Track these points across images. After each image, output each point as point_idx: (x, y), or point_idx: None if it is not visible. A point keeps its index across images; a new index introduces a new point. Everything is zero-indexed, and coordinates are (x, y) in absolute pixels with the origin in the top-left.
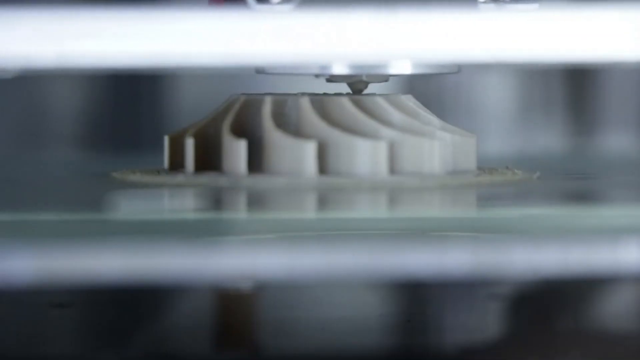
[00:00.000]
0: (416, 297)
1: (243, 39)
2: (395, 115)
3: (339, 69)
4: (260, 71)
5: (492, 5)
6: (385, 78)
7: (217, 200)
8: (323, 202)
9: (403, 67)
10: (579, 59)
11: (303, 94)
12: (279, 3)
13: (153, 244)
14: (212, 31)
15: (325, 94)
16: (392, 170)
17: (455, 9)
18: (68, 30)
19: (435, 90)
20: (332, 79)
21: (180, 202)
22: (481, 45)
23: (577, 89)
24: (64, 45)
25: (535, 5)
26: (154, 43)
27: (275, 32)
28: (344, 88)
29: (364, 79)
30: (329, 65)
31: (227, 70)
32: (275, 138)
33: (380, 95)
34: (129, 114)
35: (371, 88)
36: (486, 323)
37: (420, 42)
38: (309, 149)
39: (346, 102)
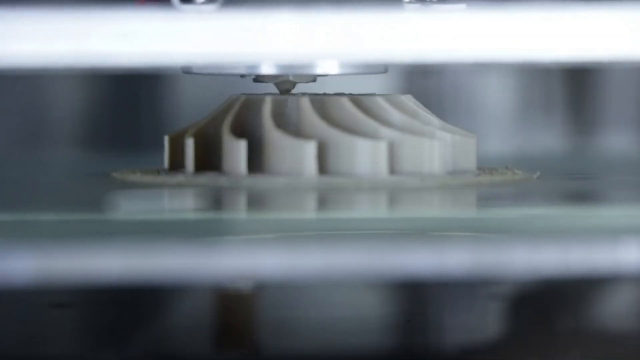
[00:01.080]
0: (416, 297)
1: (168, 39)
2: (395, 115)
3: (266, 69)
4: (187, 71)
5: (417, 5)
6: (312, 78)
7: (217, 200)
8: (323, 202)
9: (330, 67)
10: (578, 59)
11: (303, 93)
12: (203, 3)
13: (153, 244)
14: (137, 31)
15: (325, 94)
16: (392, 170)
17: (381, 8)
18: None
19: (435, 90)
20: (259, 78)
21: (180, 202)
22: (407, 45)
23: (577, 89)
24: (64, 45)
25: (462, 6)
26: (78, 42)
27: (200, 32)
28: (271, 88)
29: (291, 78)
30: (256, 65)
31: (151, 70)
32: (275, 138)
33: (380, 95)
34: (129, 114)
35: (371, 88)
36: (486, 323)
37: (345, 42)
38: (309, 149)
39: (346, 102)
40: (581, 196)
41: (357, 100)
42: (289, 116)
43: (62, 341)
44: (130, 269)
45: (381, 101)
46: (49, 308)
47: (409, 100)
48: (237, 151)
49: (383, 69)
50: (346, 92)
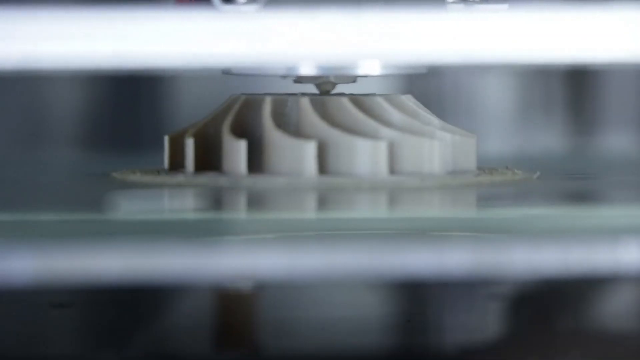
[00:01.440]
0: (416, 297)
1: (209, 40)
2: (395, 115)
3: (306, 70)
4: (226, 72)
5: (460, 6)
6: (353, 79)
7: (217, 200)
8: (323, 202)
9: (371, 68)
10: (579, 60)
11: (303, 94)
12: (244, 3)
13: (153, 244)
14: (178, 32)
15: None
16: (392, 170)
17: (423, 9)
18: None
19: (435, 90)
20: (299, 79)
21: (180, 202)
22: (450, 45)
23: (577, 89)
24: (64, 45)
25: (504, 6)
26: (118, 43)
27: (241, 32)
28: (311, 89)
29: (332, 79)
30: (296, 66)
31: (193, 72)
32: (275, 138)
33: (380, 95)
34: (129, 114)
35: (371, 88)
36: (486, 323)
37: (388, 42)
38: (309, 149)
39: (346, 102)
40: (581, 196)
41: (357, 100)
42: (289, 116)
43: (62, 341)
44: (130, 269)
45: (381, 101)
46: (49, 308)
47: (409, 100)
48: (237, 151)
49: (425, 69)
50: (346, 92)
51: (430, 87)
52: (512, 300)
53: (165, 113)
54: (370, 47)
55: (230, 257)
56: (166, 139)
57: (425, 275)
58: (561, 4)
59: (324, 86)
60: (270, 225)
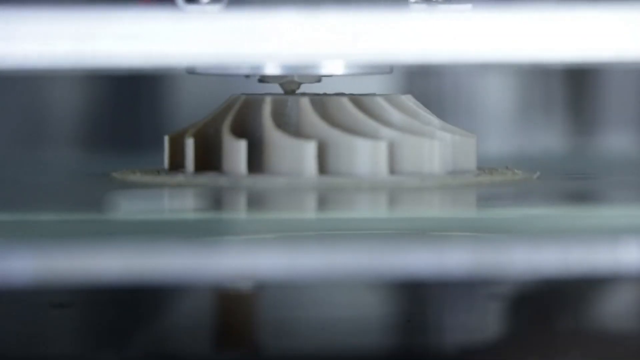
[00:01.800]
0: (416, 297)
1: (172, 39)
2: (395, 115)
3: (271, 69)
4: (191, 72)
5: (423, 5)
6: (317, 78)
7: (217, 200)
8: (323, 202)
9: (335, 68)
10: (579, 59)
11: (303, 94)
12: (208, 3)
13: (153, 244)
14: (141, 31)
15: (325, 94)
16: (392, 170)
17: (385, 9)
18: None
19: (435, 90)
20: (263, 79)
21: (180, 202)
22: (413, 45)
23: (577, 89)
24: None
25: (467, 6)
26: (83, 43)
27: (204, 32)
28: (276, 88)
29: (296, 79)
30: (260, 66)
31: (156, 71)
32: (275, 138)
33: (380, 95)
34: (129, 114)
35: (371, 88)
36: (486, 323)
37: (350, 42)
38: (309, 149)
39: (346, 102)
40: (581, 196)
41: (357, 100)
42: (289, 116)
43: (62, 341)
44: (130, 269)
45: (381, 101)
46: (49, 308)
47: (409, 100)
48: (237, 151)
49: (388, 69)
50: (346, 92)
51: (430, 87)
52: (512, 300)
53: (165, 113)
54: (333, 46)
55: (230, 257)
56: (166, 139)
57: (425, 275)
58: (561, 4)
59: (288, 85)
60: (270, 225)
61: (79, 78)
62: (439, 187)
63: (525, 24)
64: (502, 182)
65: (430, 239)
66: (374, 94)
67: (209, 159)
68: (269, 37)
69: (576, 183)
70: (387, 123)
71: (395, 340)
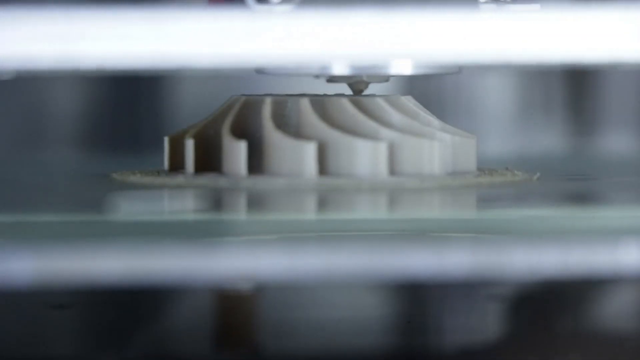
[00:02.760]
0: (416, 298)
1: (242, 40)
2: (395, 116)
3: (339, 70)
4: (260, 72)
5: (492, 5)
6: (385, 78)
7: (217, 201)
8: (323, 203)
9: (403, 68)
10: (579, 60)
11: (303, 95)
12: (278, 3)
13: (153, 245)
14: (212, 32)
15: (325, 94)
16: (392, 171)
17: (456, 9)
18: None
19: (435, 91)
20: (332, 79)
21: (181, 203)
22: (481, 45)
23: (577, 89)
24: (64, 45)
25: (536, 5)
26: (153, 44)
27: (275, 32)
28: (344, 88)
29: (365, 79)
30: (329, 66)
31: (227, 72)
32: (275, 139)
33: (380, 96)
34: (129, 114)
35: (371, 88)
36: (486, 324)
37: (420, 42)
38: (309, 150)
39: (346, 103)
40: (581, 197)
41: (357, 101)
42: (289, 117)
43: (62, 342)
44: (130, 270)
45: (381, 102)
46: (49, 309)
47: (409, 101)
48: (237, 152)
49: (457, 69)
50: (346, 92)
51: (431, 88)
52: (512, 302)
53: (165, 114)
54: (402, 46)
55: (231, 258)
56: (166, 140)
57: (425, 276)
58: (561, 4)
59: (357, 85)
60: (270, 226)
61: (79, 79)
62: (439, 188)
63: (525, 25)
64: (502, 183)
65: (430, 240)
66: (374, 95)
67: (209, 160)
68: (339, 37)
69: (576, 184)
70: (387, 124)
71: (395, 341)
